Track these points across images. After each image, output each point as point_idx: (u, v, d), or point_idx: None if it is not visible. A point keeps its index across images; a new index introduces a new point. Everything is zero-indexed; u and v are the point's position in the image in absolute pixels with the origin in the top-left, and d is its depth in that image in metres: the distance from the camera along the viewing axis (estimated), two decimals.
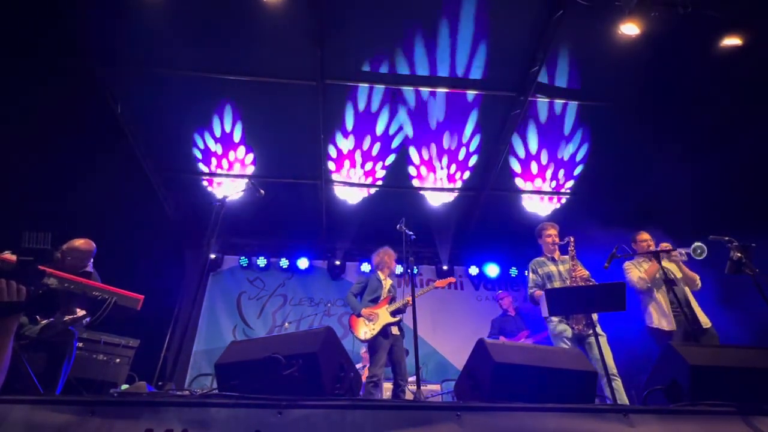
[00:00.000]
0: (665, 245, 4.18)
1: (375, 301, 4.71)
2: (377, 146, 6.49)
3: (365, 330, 4.50)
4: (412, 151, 6.60)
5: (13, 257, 2.24)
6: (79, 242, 3.65)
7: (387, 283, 4.89)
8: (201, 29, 4.91)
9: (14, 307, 1.31)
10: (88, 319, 2.78)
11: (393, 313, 4.57)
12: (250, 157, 6.61)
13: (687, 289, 4.13)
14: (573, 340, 3.85)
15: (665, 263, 4.27)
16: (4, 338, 1.28)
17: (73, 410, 1.61)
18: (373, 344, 4.48)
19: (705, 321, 3.94)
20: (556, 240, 4.30)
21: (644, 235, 4.39)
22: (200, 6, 4.70)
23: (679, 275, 4.19)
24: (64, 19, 4.54)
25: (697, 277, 4.16)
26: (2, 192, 4.40)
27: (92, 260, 3.70)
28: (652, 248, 4.16)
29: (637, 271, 4.23)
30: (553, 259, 4.28)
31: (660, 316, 4.03)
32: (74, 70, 4.89)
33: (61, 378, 3.14)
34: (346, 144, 6.45)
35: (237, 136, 6.28)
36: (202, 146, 6.41)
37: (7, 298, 1.29)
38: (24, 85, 4.42)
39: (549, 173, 6.93)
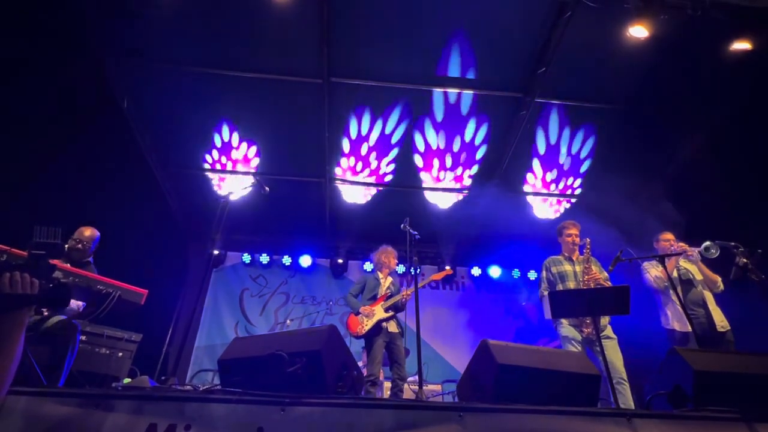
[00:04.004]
0: (682, 245, 4.15)
1: (373, 299, 4.73)
2: (382, 146, 6.49)
3: (359, 327, 4.53)
4: (418, 150, 6.59)
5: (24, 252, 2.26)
6: (87, 231, 3.76)
7: (386, 281, 4.89)
8: (207, 25, 4.92)
9: (28, 300, 1.33)
10: (82, 305, 2.78)
11: (387, 309, 4.56)
12: (254, 152, 6.61)
13: (706, 292, 4.09)
14: (582, 344, 3.84)
15: (685, 264, 4.25)
16: (17, 330, 1.29)
17: (78, 403, 1.62)
18: (367, 342, 4.52)
19: (722, 324, 3.89)
20: (576, 240, 4.26)
21: (667, 235, 4.36)
22: (207, 2, 4.71)
23: (699, 277, 4.15)
24: (72, 14, 4.56)
25: (719, 279, 4.09)
26: (8, 186, 4.41)
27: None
28: (675, 248, 4.13)
29: (654, 271, 4.21)
30: (570, 259, 4.24)
31: (674, 318, 4.01)
32: (81, 65, 4.90)
33: (65, 371, 3.16)
34: (350, 143, 6.45)
35: (242, 133, 6.29)
36: (207, 142, 6.42)
37: (21, 291, 1.31)
38: (31, 79, 4.43)
39: (554, 175, 6.91)
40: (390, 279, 4.94)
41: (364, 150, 6.57)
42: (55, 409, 1.59)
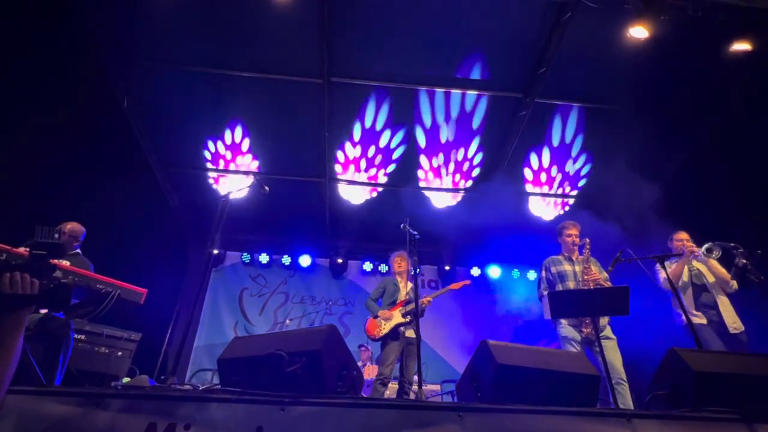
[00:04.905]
0: (690, 245, 4.13)
1: (392, 304, 4.74)
2: (382, 146, 6.49)
3: (377, 330, 4.57)
4: (417, 151, 6.59)
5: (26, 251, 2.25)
6: (68, 225, 3.93)
7: (406, 287, 4.87)
8: (208, 25, 4.91)
9: (28, 300, 1.32)
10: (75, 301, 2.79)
11: (404, 315, 4.58)
12: (254, 152, 6.61)
13: (718, 293, 4.03)
14: (581, 344, 3.83)
15: (697, 265, 4.21)
16: (16, 331, 1.29)
17: (78, 402, 1.61)
18: (382, 344, 4.56)
19: (735, 326, 3.85)
20: (576, 240, 4.24)
21: (681, 235, 4.31)
22: (207, 2, 4.71)
23: (710, 278, 4.11)
24: (73, 14, 4.55)
25: (729, 277, 4.01)
26: (8, 185, 4.41)
27: (78, 243, 3.97)
28: (688, 250, 4.10)
29: (664, 273, 4.19)
30: (570, 259, 4.22)
31: (687, 315, 4.01)
32: (81, 64, 4.90)
33: (60, 369, 3.16)
34: (351, 142, 6.45)
35: (242, 133, 6.29)
36: (207, 142, 6.42)
37: (21, 291, 1.30)
38: (32, 78, 4.43)
39: (555, 176, 6.91)
40: (410, 285, 4.89)
41: (364, 150, 6.57)
42: (55, 408, 1.59)
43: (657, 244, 4.57)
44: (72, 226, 3.97)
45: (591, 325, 3.74)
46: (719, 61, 4.81)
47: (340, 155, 6.66)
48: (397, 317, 4.58)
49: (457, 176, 7.01)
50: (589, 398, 2.19)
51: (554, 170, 6.84)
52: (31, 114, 4.57)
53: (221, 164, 6.78)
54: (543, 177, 6.96)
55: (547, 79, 5.32)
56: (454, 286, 5.10)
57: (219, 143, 6.43)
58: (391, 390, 5.10)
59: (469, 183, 7.13)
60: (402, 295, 4.79)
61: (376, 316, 4.67)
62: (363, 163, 6.79)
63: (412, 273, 3.77)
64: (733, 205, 5.30)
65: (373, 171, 6.93)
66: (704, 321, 3.90)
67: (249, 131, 6.27)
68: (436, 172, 6.93)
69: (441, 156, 6.65)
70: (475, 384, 2.29)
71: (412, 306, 4.58)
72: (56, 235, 3.77)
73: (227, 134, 6.30)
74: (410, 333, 4.53)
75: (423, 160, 6.73)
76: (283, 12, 4.60)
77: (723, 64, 4.84)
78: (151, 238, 6.57)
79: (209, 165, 6.81)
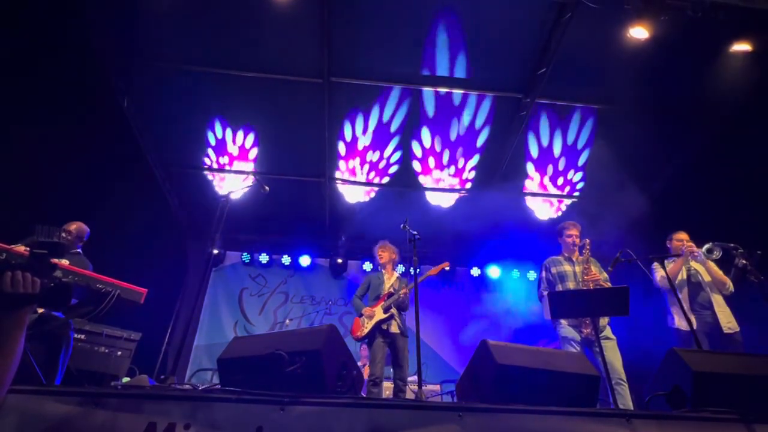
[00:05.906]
0: (690, 245, 4.13)
1: (377, 299, 4.58)
2: (382, 145, 6.49)
3: (360, 331, 4.44)
4: (417, 151, 6.59)
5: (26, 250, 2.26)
6: (73, 225, 4.00)
7: (390, 280, 4.68)
8: (208, 25, 4.92)
9: (29, 299, 1.32)
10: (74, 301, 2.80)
11: (385, 310, 4.41)
12: (254, 152, 6.61)
13: (714, 293, 4.04)
14: (581, 344, 3.83)
15: (695, 265, 4.22)
16: (17, 330, 1.29)
17: (78, 401, 1.61)
18: (369, 343, 4.43)
19: (729, 326, 3.86)
20: (577, 241, 4.24)
21: (680, 235, 4.32)
22: (207, 2, 4.71)
23: (707, 278, 4.11)
24: (73, 14, 4.56)
25: (728, 281, 4.02)
26: (9, 184, 4.41)
27: (81, 243, 4.04)
28: (688, 250, 4.11)
29: (662, 271, 4.20)
30: (570, 259, 4.23)
31: (679, 318, 4.00)
32: (81, 64, 4.90)
33: (60, 368, 3.17)
34: (351, 142, 6.45)
35: (242, 133, 6.29)
36: (207, 142, 6.42)
37: (23, 290, 1.30)
38: (31, 79, 4.44)
39: (554, 176, 6.91)
40: (395, 276, 4.73)
41: (364, 150, 6.57)
42: (55, 408, 1.59)
43: (656, 245, 4.58)
44: (78, 226, 4.01)
45: (591, 326, 3.74)
46: (719, 62, 4.81)
47: (340, 155, 6.65)
48: (378, 314, 4.39)
49: (458, 173, 6.99)
50: (589, 398, 2.20)
51: (553, 170, 6.84)
52: (30, 114, 4.58)
53: (221, 164, 6.76)
54: (542, 177, 6.96)
55: (547, 79, 5.32)
56: (433, 271, 4.85)
57: (219, 143, 6.42)
58: (390, 390, 5.10)
59: (470, 183, 7.13)
60: (385, 289, 4.58)
61: (360, 315, 4.50)
62: (363, 163, 6.78)
63: (411, 273, 3.74)
64: (732, 205, 5.30)
65: (372, 169, 6.92)
66: (694, 326, 3.90)
67: (249, 131, 6.26)
68: (437, 171, 6.91)
69: (441, 156, 6.63)
70: (474, 384, 2.30)
71: (392, 300, 4.43)
72: (62, 235, 3.82)
73: (227, 134, 6.28)
74: (394, 328, 4.36)
75: (422, 161, 6.71)
76: (283, 12, 4.61)
77: (723, 65, 4.84)
78: (151, 237, 6.57)
79: (209, 165, 6.80)
